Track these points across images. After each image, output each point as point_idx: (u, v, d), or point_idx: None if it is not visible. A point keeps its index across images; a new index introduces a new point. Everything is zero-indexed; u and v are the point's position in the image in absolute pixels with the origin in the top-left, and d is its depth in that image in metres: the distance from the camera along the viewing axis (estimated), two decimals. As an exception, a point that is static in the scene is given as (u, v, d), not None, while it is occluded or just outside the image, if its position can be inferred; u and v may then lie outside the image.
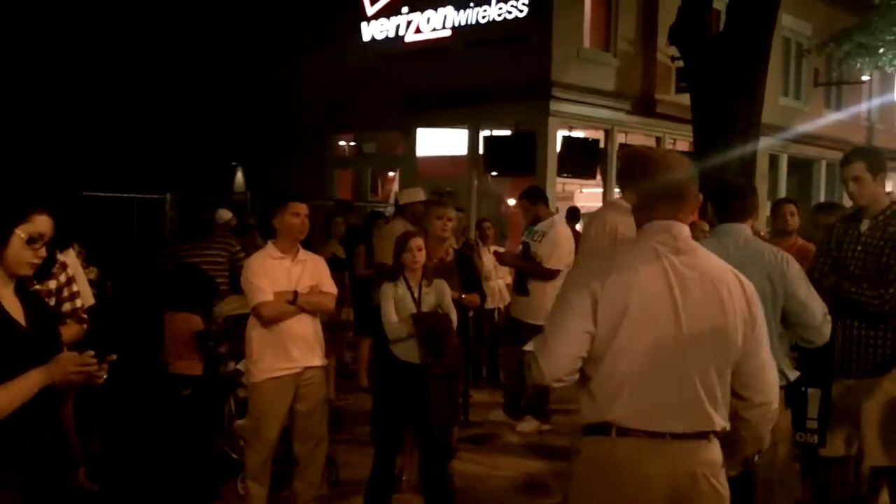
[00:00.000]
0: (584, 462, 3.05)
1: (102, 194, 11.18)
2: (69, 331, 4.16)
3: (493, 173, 16.79)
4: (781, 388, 4.24)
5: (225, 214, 9.83)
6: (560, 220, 8.47)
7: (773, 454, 4.34)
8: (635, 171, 3.21)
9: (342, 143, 20.76)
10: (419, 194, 7.58)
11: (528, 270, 7.93)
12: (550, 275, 7.76)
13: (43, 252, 3.20)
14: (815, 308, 4.29)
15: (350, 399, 9.23)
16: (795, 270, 4.31)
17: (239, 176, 21.95)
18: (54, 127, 19.22)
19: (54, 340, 3.27)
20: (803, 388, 4.66)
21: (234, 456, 6.26)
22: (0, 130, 8.44)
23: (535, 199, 8.18)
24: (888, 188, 23.08)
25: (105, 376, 3.13)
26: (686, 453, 2.93)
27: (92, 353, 3.09)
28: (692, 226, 9.15)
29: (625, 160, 5.73)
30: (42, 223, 3.18)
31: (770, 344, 4.14)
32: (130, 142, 19.65)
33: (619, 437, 2.93)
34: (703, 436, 2.95)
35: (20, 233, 3.13)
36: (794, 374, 4.38)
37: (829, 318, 4.36)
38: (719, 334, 2.96)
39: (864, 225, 4.97)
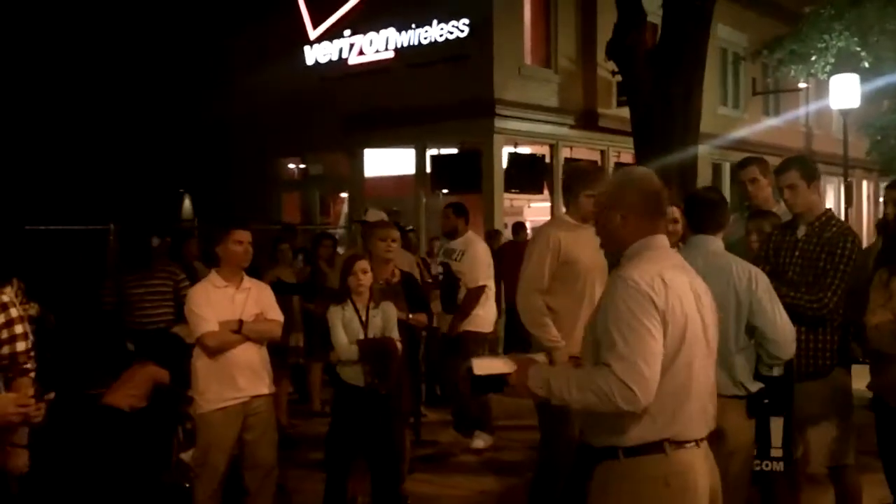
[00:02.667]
0: (640, 483, 3.04)
1: (44, 227, 11.02)
2: (22, 387, 3.97)
3: (444, 191, 16.83)
4: (741, 398, 4.34)
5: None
6: (475, 236, 8.63)
7: (727, 464, 4.36)
8: (619, 187, 3.29)
9: (290, 165, 20.69)
10: (380, 216, 7.60)
11: (468, 307, 8.05)
12: (479, 293, 8.09)
13: (-28, 294, 3.15)
14: (783, 324, 4.30)
15: (302, 425, 9.16)
16: (763, 286, 4.31)
17: (187, 203, 21.78)
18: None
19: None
20: (766, 415, 4.63)
21: (184, 486, 6.19)
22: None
23: (460, 213, 8.45)
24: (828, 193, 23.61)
25: (42, 415, 3.09)
26: (710, 454, 3.21)
27: (30, 392, 3.05)
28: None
29: (592, 174, 5.78)
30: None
31: (731, 356, 4.27)
32: (75, 173, 19.40)
33: (674, 451, 3.04)
34: None
35: (-51, 275, 3.08)
36: (755, 386, 4.38)
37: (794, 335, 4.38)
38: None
39: (801, 231, 5.07)
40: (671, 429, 3.03)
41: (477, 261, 8.16)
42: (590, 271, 5.25)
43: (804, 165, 5.17)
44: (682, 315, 3.04)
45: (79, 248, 12.03)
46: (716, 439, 4.28)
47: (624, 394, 2.89)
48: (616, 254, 3.31)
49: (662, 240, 3.24)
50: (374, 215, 7.66)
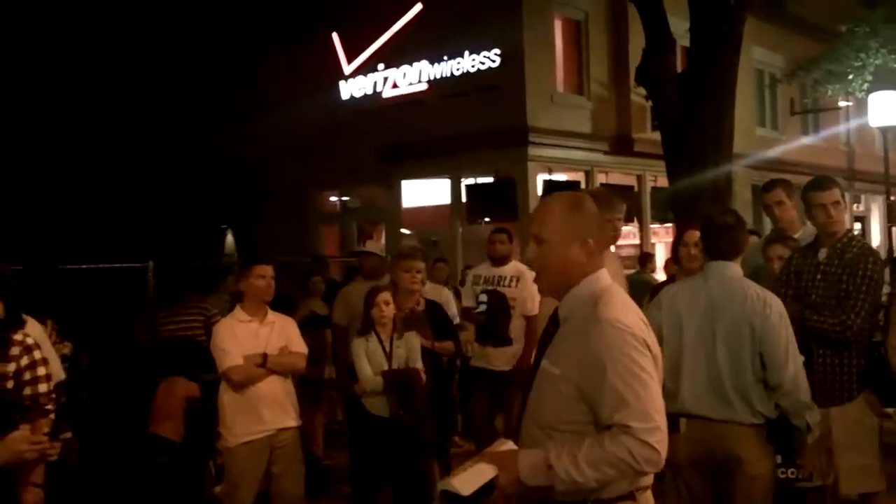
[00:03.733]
0: None
1: (84, 266, 11.19)
2: (41, 428, 4.06)
3: (486, 219, 16.77)
4: (762, 426, 4.30)
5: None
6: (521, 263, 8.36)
7: (749, 490, 4.33)
8: (571, 213, 2.96)
9: (328, 198, 20.86)
10: (369, 247, 7.58)
11: (535, 335, 7.01)
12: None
13: (-8, 334, 3.23)
14: (790, 358, 4.26)
15: (336, 457, 9.16)
16: (777, 315, 4.27)
17: (229, 238, 21.97)
18: (37, 198, 19.29)
19: (6, 421, 3.29)
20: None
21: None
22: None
23: (511, 239, 7.90)
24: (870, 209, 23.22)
25: (57, 453, 3.15)
26: None
27: (45, 430, 3.12)
28: (668, 263, 9.23)
29: (606, 198, 5.70)
30: (-11, 306, 3.22)
31: (749, 385, 4.23)
32: (115, 213, 19.70)
33: (641, 495, 2.88)
34: None
35: (-33, 317, 3.17)
36: (774, 413, 4.34)
37: (802, 371, 4.34)
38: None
39: (822, 254, 5.03)
40: (646, 478, 2.85)
41: (533, 287, 7.27)
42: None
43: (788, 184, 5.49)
44: (657, 356, 2.86)
45: (119, 285, 12.20)
46: (735, 467, 4.29)
47: (648, 456, 2.65)
48: (558, 294, 2.98)
49: (605, 271, 2.97)
50: (370, 246, 7.64)
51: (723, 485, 4.41)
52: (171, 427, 6.59)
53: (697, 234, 5.86)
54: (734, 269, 4.48)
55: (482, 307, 7.58)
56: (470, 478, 2.77)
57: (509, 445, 2.90)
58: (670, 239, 18.74)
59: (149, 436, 6.63)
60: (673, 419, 4.46)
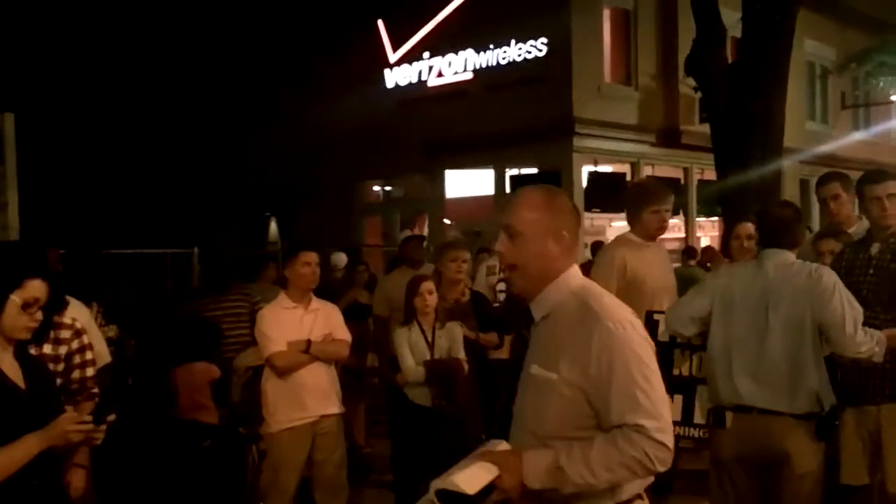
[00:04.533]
0: None
1: (130, 251, 11.32)
2: (85, 411, 4.09)
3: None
4: (811, 421, 4.22)
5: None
6: None
7: (798, 488, 4.26)
8: (547, 205, 2.81)
9: (371, 188, 20.90)
10: (406, 232, 7.55)
11: None
12: None
13: (39, 316, 3.26)
14: (846, 318, 4.18)
15: (378, 446, 9.18)
16: (828, 281, 4.22)
17: (273, 226, 22.13)
18: (84, 186, 19.54)
19: (54, 403, 3.32)
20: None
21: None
22: (27, 188, 8.61)
23: None
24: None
25: (102, 437, 3.17)
26: None
27: (90, 413, 3.13)
28: (714, 258, 9.14)
29: (655, 190, 5.62)
30: (36, 288, 3.24)
31: (808, 368, 4.16)
32: (163, 199, 19.91)
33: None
34: None
35: (15, 298, 3.19)
36: (829, 403, 4.26)
37: (863, 329, 4.23)
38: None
39: (875, 248, 4.91)
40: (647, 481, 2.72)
41: None
42: (657, 291, 5.17)
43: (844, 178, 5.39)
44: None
45: (165, 271, 12.32)
46: (783, 463, 4.21)
47: (660, 455, 2.53)
48: (530, 292, 2.81)
49: (577, 267, 2.83)
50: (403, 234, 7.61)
51: (769, 482, 4.33)
52: (207, 414, 6.60)
53: (750, 226, 5.83)
54: (790, 256, 4.43)
55: (501, 296, 7.65)
56: (472, 476, 2.53)
57: (504, 446, 2.71)
58: (716, 233, 18.59)
59: (187, 422, 6.63)
60: (719, 413, 4.42)
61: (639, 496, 2.71)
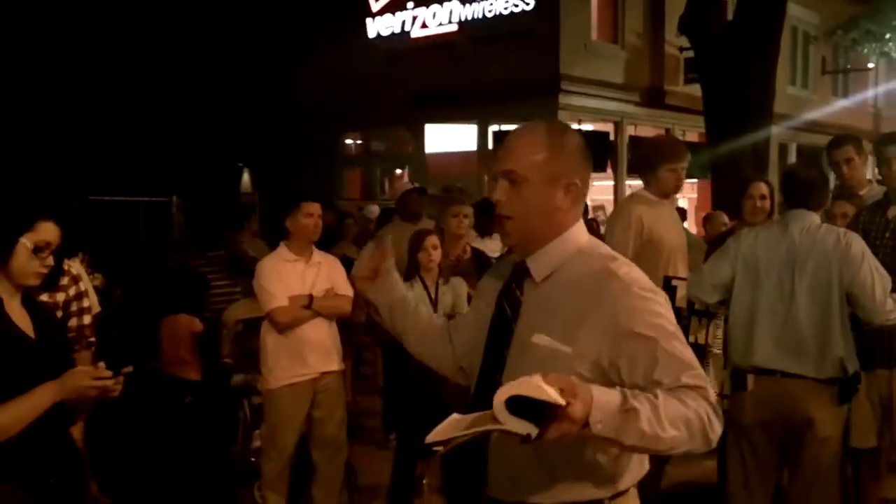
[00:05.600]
0: None
1: (108, 198, 11.04)
2: (83, 361, 3.90)
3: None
4: (836, 382, 4.16)
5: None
6: None
7: (818, 453, 4.19)
8: (559, 145, 2.42)
9: (351, 141, 20.62)
10: (408, 185, 7.37)
11: None
12: None
13: (50, 261, 3.06)
14: (876, 286, 4.12)
15: (365, 401, 9.08)
16: (856, 249, 4.15)
17: (245, 177, 21.84)
18: (58, 131, 19.11)
19: (64, 353, 3.14)
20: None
21: (251, 463, 6.13)
22: (3, 135, 8.33)
23: None
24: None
25: (120, 390, 2.99)
26: None
27: (104, 365, 2.94)
28: (711, 218, 9.05)
29: (672, 147, 5.49)
30: (48, 231, 3.04)
31: (833, 332, 4.09)
32: (135, 145, 19.54)
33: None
34: None
35: (26, 242, 2.99)
36: (853, 368, 4.19)
37: (891, 296, 4.17)
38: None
39: (892, 211, 4.89)
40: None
41: None
42: (672, 250, 5.04)
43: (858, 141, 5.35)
44: None
45: (141, 219, 12.07)
46: (805, 428, 4.13)
47: (716, 424, 2.17)
48: (527, 248, 2.44)
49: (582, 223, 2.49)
50: (403, 187, 7.43)
51: (790, 447, 4.27)
52: (189, 369, 6.42)
53: (763, 186, 5.78)
54: (816, 218, 4.35)
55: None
56: (534, 386, 1.90)
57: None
58: (695, 195, 18.56)
59: (169, 378, 6.45)
60: (740, 376, 4.32)
61: (634, 487, 2.41)
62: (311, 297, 5.26)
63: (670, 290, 4.73)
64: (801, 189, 4.36)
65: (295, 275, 5.31)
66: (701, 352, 4.91)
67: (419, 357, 2.87)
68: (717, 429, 2.15)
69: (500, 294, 2.46)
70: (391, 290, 2.80)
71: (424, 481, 6.41)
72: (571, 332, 2.28)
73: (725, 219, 8.18)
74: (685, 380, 2.17)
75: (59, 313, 4.10)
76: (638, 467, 2.40)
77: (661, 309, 2.30)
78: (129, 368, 3.02)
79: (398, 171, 19.72)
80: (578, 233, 2.42)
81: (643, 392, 2.12)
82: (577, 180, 2.38)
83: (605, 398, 2.02)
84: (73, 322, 4.24)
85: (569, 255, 2.39)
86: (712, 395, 2.19)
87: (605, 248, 2.46)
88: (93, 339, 4.45)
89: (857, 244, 4.18)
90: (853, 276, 4.10)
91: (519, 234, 2.41)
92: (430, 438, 2.11)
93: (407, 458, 5.65)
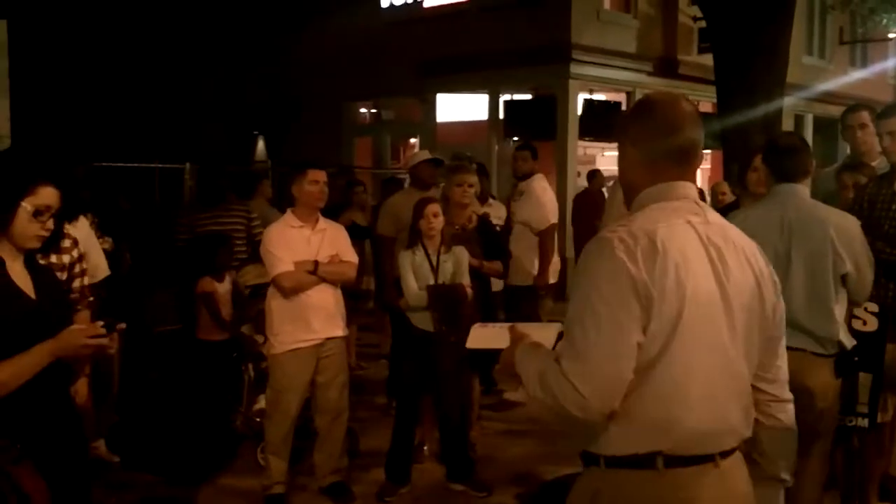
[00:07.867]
0: (625, 502, 2.36)
1: (121, 164, 11.10)
2: (83, 320, 3.98)
3: (514, 138, 16.60)
4: (833, 356, 4.16)
5: None
6: (540, 177, 8.26)
7: (817, 424, 4.21)
8: (645, 122, 2.49)
9: (362, 109, 20.60)
10: (424, 154, 7.38)
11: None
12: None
13: (50, 224, 3.13)
14: (870, 272, 4.16)
15: (371, 368, 9.17)
16: (853, 229, 4.16)
17: (260, 144, 21.86)
18: (73, 97, 19.16)
19: (64, 314, 3.21)
20: (856, 371, 4.45)
21: (255, 423, 6.22)
22: (17, 102, 8.42)
23: (536, 155, 8.18)
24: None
25: (115, 347, 3.06)
26: (737, 475, 2.41)
27: (101, 323, 3.02)
28: (712, 188, 9.05)
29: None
30: (48, 195, 3.10)
31: (829, 308, 4.08)
32: (151, 112, 19.56)
33: (670, 470, 2.30)
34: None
35: (26, 205, 3.06)
36: (850, 342, 4.19)
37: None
38: (759, 318, 2.41)
39: (898, 183, 4.86)
40: (665, 440, 2.28)
41: (539, 204, 7.94)
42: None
43: None
44: (680, 290, 2.25)
45: (157, 185, 12.14)
46: (806, 400, 4.15)
47: (574, 398, 2.19)
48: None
49: (685, 188, 2.44)
50: (416, 156, 7.45)
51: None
52: (216, 331, 6.55)
53: (757, 157, 5.73)
54: (804, 191, 4.30)
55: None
56: (483, 337, 2.74)
57: (556, 328, 2.52)
58: (709, 166, 18.49)
59: (198, 342, 6.59)
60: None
61: (635, 456, 2.31)
62: (316, 262, 5.33)
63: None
64: (784, 158, 4.30)
65: (301, 241, 5.38)
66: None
67: None
68: (572, 403, 2.21)
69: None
70: None
71: (424, 448, 6.55)
72: None
73: (725, 188, 8.16)
74: (559, 348, 2.36)
75: (64, 275, 4.18)
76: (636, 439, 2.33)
77: (599, 271, 2.29)
78: (123, 325, 3.10)
79: (411, 141, 19.73)
80: (656, 195, 2.47)
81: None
82: (642, 151, 2.48)
83: (520, 355, 2.42)
84: (76, 283, 4.33)
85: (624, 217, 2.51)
86: (572, 370, 2.21)
87: (650, 209, 2.43)
88: (91, 298, 4.54)
89: (853, 222, 4.18)
90: (848, 254, 4.07)
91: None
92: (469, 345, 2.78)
93: (405, 424, 5.74)
